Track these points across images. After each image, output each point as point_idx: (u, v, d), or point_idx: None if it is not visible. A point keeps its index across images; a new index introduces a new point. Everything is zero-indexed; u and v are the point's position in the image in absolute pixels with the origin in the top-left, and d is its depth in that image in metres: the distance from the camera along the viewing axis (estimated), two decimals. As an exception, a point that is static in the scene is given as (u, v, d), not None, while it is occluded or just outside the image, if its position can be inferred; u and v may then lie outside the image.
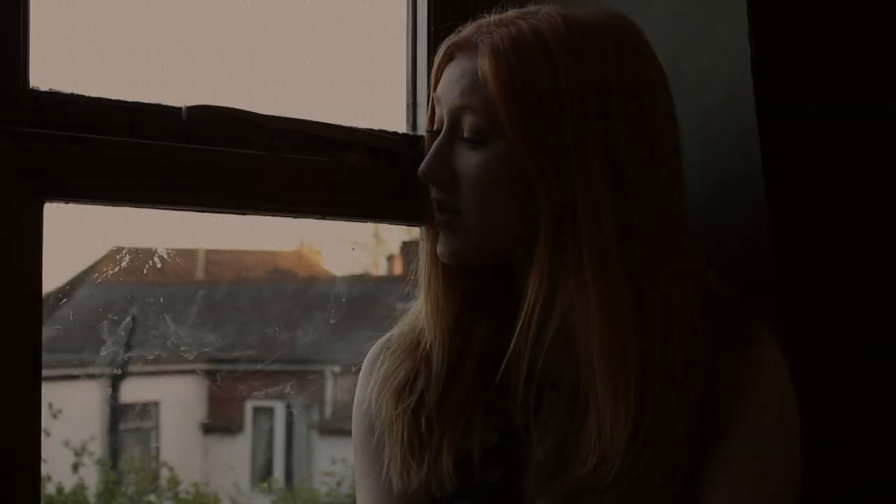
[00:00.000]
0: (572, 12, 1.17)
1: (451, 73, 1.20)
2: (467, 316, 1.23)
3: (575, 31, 1.15)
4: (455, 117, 1.19)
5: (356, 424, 1.31)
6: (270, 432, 8.72)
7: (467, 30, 1.20)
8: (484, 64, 1.14)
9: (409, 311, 1.32)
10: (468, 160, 1.17)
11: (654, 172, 1.15)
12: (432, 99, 1.25)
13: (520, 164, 1.14)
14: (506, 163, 1.15)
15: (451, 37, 1.22)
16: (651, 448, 1.10)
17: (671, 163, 1.18)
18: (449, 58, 1.21)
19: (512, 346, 1.15)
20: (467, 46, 1.18)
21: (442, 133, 1.20)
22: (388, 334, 1.33)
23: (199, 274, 8.60)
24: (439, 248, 1.21)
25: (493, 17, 1.20)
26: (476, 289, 1.24)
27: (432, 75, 1.25)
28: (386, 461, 1.23)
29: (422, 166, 1.21)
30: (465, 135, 1.17)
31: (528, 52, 1.13)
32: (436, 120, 1.23)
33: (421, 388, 1.23)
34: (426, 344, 1.25)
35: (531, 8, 1.20)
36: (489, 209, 1.17)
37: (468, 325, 1.23)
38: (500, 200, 1.16)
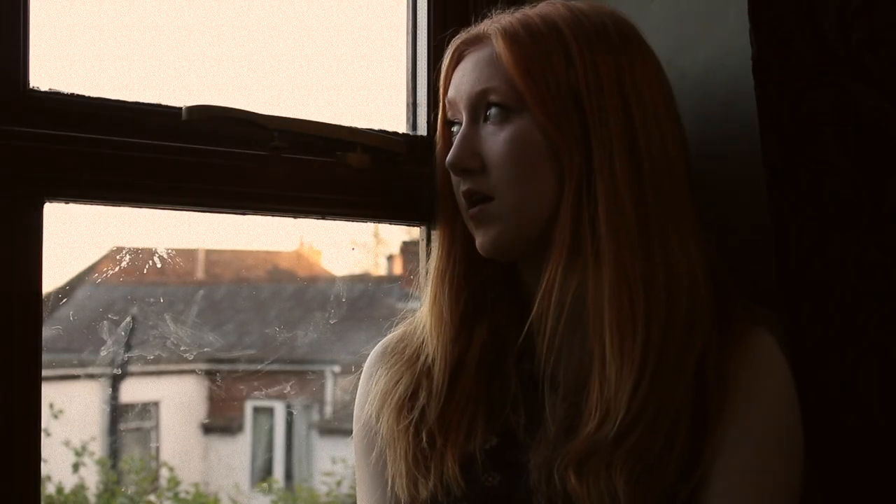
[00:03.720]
0: (575, 4, 1.21)
1: (464, 68, 1.23)
2: (468, 321, 1.24)
3: (581, 17, 1.19)
4: (475, 103, 1.21)
5: (356, 440, 1.31)
6: (270, 432, 8.71)
7: (473, 29, 1.24)
8: (498, 45, 1.18)
9: (406, 320, 1.32)
10: (495, 139, 1.19)
11: (666, 151, 1.18)
12: (442, 103, 1.26)
13: (544, 134, 1.16)
14: (531, 134, 1.17)
15: (457, 37, 1.25)
16: (652, 405, 1.11)
17: (680, 151, 1.21)
18: (458, 58, 1.24)
19: (532, 315, 1.17)
20: (477, 41, 1.22)
21: (464, 123, 1.22)
22: (384, 342, 1.33)
23: (199, 274, 8.60)
24: (479, 242, 1.22)
25: (495, 15, 1.23)
26: (479, 293, 1.25)
27: (442, 79, 1.27)
28: (390, 478, 1.24)
29: (449, 156, 1.22)
30: (489, 114, 1.20)
31: (539, 31, 1.18)
32: (450, 120, 1.25)
33: (422, 403, 1.23)
34: (427, 357, 1.25)
35: (532, 4, 1.23)
36: (521, 183, 1.18)
37: (469, 330, 1.24)
38: (530, 173, 1.18)
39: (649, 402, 1.11)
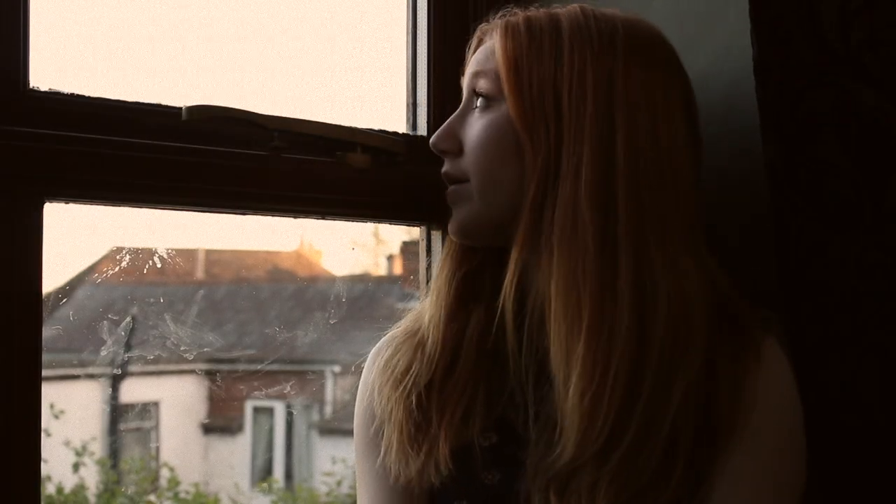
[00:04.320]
0: (597, 8, 1.21)
1: (476, 54, 1.26)
2: (464, 302, 1.25)
3: (591, 20, 1.19)
4: (471, 87, 1.24)
5: (357, 414, 1.32)
6: (270, 432, 8.70)
7: (494, 19, 1.26)
8: (495, 35, 1.21)
9: (416, 308, 1.33)
10: (475, 124, 1.22)
11: (659, 169, 1.15)
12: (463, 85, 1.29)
13: (514, 126, 1.17)
14: (505, 124, 1.18)
15: (482, 25, 1.28)
16: (635, 427, 1.09)
17: (682, 168, 1.17)
18: (478, 44, 1.27)
19: (496, 313, 1.17)
20: (492, 30, 1.24)
21: (460, 107, 1.25)
22: (395, 329, 1.34)
23: (199, 274, 8.59)
24: (450, 226, 1.24)
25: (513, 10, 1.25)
26: (477, 276, 1.26)
27: (466, 62, 1.29)
28: (383, 449, 1.24)
29: (432, 137, 1.25)
30: (477, 101, 1.22)
31: (539, 27, 1.19)
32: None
33: (416, 371, 1.24)
34: (424, 331, 1.26)
35: (558, 5, 1.24)
36: (486, 169, 1.19)
37: (465, 311, 1.25)
38: (496, 161, 1.19)
39: (627, 426, 1.09)
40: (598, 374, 1.10)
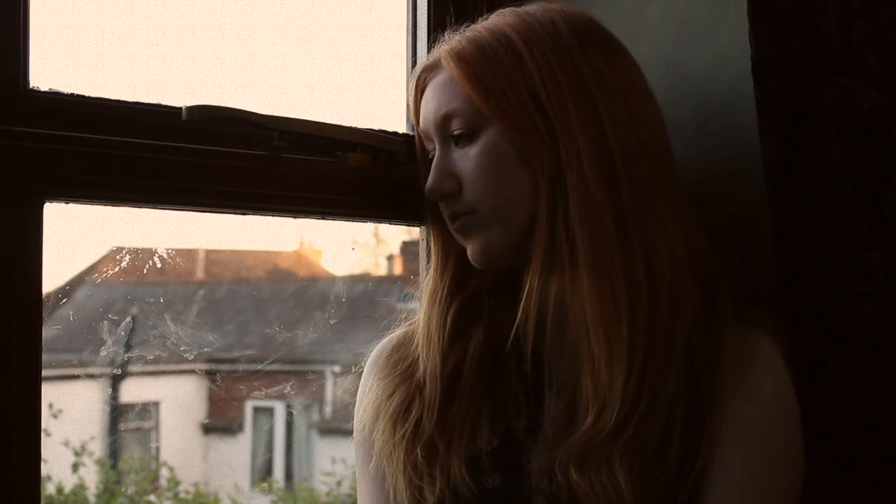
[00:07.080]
0: (523, 8, 1.23)
1: (427, 97, 1.25)
2: (461, 332, 1.25)
3: (529, 19, 1.20)
4: (442, 129, 1.23)
5: (356, 448, 1.32)
6: (270, 432, 8.71)
7: (429, 56, 1.26)
8: (450, 67, 1.20)
9: (407, 321, 1.33)
10: (466, 157, 1.21)
11: (642, 142, 1.18)
12: (417, 135, 1.29)
13: (512, 143, 1.18)
14: (500, 146, 1.19)
15: (416, 67, 1.27)
16: (645, 396, 1.12)
17: (660, 140, 1.21)
18: (422, 88, 1.26)
19: (517, 320, 1.18)
20: (435, 67, 1.24)
21: (437, 149, 1.24)
22: (380, 346, 1.33)
23: (199, 274, 8.59)
24: (470, 254, 1.23)
25: (448, 37, 1.25)
26: (472, 300, 1.26)
27: (412, 111, 1.29)
28: (391, 490, 1.24)
29: (427, 184, 1.23)
30: (457, 136, 1.21)
31: (487, 43, 1.19)
32: (428, 150, 1.27)
33: (416, 415, 1.23)
34: (420, 374, 1.25)
35: (484, 17, 1.25)
36: (495, 192, 1.19)
37: (462, 341, 1.25)
38: (504, 181, 1.19)
39: (641, 392, 1.12)
40: (632, 349, 1.13)
